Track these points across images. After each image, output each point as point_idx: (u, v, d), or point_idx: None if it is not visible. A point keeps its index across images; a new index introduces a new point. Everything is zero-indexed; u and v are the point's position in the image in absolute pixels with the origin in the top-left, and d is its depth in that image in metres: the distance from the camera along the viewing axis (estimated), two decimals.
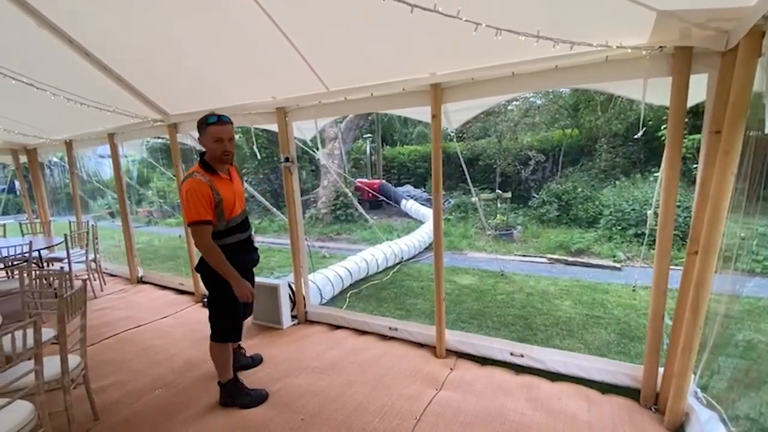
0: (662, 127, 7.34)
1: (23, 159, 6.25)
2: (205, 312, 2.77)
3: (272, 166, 12.15)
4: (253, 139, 4.70)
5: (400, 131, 17.22)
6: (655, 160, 8.97)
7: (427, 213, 9.44)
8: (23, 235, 5.54)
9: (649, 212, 2.65)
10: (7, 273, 4.67)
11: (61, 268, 4.09)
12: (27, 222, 5.93)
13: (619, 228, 7.15)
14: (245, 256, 2.44)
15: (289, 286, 3.81)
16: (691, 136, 6.70)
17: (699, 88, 2.00)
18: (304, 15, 2.35)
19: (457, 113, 2.99)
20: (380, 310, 4.25)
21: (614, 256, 6.24)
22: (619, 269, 5.74)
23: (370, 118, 13.21)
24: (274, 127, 3.65)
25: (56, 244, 4.71)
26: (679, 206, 2.96)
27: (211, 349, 2.47)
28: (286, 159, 3.55)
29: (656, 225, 2.24)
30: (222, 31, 2.59)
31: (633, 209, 7.21)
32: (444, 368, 2.86)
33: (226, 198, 2.24)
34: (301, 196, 3.82)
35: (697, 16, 1.76)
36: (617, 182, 8.82)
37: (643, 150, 9.44)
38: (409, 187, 12.26)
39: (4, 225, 5.59)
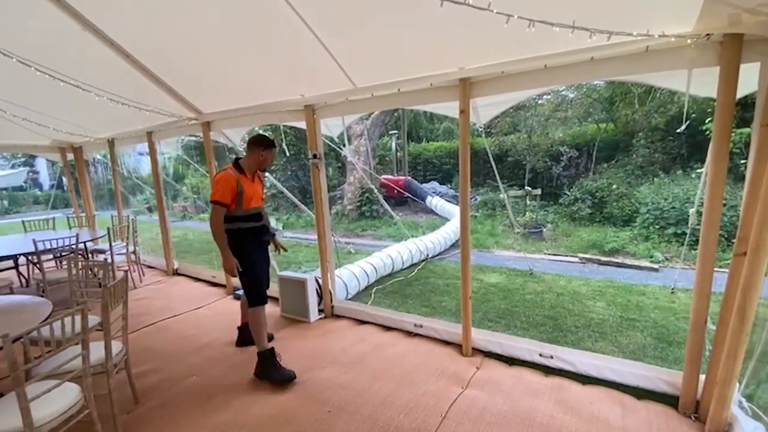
0: (707, 121, 6.92)
1: (70, 157, 6.65)
2: (236, 304, 3.02)
3: (300, 163, 12.36)
4: (282, 136, 4.79)
5: (426, 127, 17.09)
6: (699, 156, 8.47)
7: (452, 210, 9.33)
8: (70, 228, 5.90)
9: (691, 211, 2.51)
10: (56, 263, 5.01)
11: (105, 259, 4.33)
12: (74, 216, 6.32)
13: (657, 227, 6.81)
14: (259, 239, 2.97)
15: (316, 281, 3.87)
16: (739, 130, 6.28)
17: (749, 78, 1.87)
18: (333, 12, 2.36)
19: (486, 108, 2.92)
20: (405, 307, 4.25)
21: (651, 257, 5.96)
22: (656, 270, 5.47)
23: (395, 114, 13.17)
24: (302, 125, 3.71)
25: (99, 237, 4.99)
26: (724, 204, 2.79)
27: (252, 317, 2.87)
28: (314, 156, 3.60)
29: (699, 224, 2.12)
30: (254, 31, 2.66)
31: (673, 207, 6.85)
32: (470, 367, 2.83)
33: (246, 192, 2.80)
34: (328, 192, 3.86)
35: (748, 1, 1.64)
36: (656, 179, 8.39)
37: (685, 145, 8.92)
38: (434, 184, 12.16)
39: (53, 219, 5.97)
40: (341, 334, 3.48)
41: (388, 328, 3.52)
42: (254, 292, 2.86)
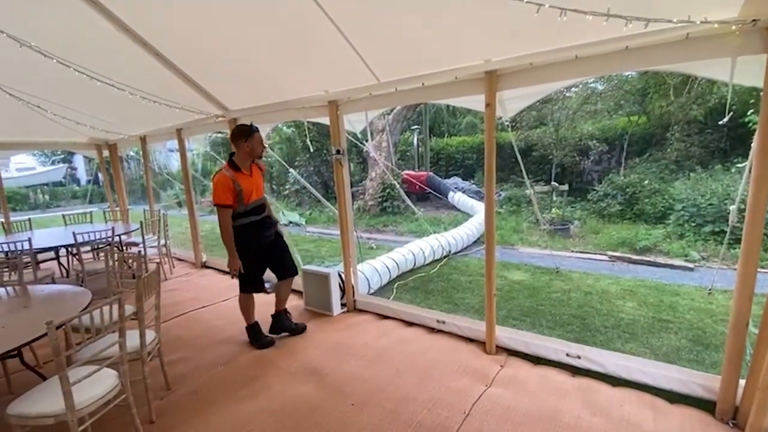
0: (749, 112, 6.51)
1: (105, 153, 6.96)
2: (261, 296, 3.19)
3: (323, 159, 12.47)
4: (306, 132, 4.84)
5: (448, 122, 16.86)
6: (740, 150, 8.01)
7: (475, 205, 9.20)
8: (106, 222, 6.19)
9: (731, 207, 2.37)
10: (93, 255, 5.26)
11: (138, 251, 4.52)
12: (109, 210, 6.62)
13: (693, 224, 6.49)
14: (260, 233, 3.08)
15: (339, 275, 3.91)
16: None
17: None
18: (356, 7, 2.36)
19: (512, 101, 2.85)
20: (427, 303, 4.23)
21: (686, 256, 5.69)
22: (691, 270, 5.23)
23: (417, 109, 13.05)
24: (325, 121, 3.73)
25: (133, 230, 5.21)
26: None
27: (239, 300, 3.22)
28: (337, 151, 3.62)
29: (740, 222, 2.00)
30: (279, 28, 2.69)
31: (710, 204, 6.50)
32: (494, 365, 2.79)
33: (245, 188, 2.91)
34: (350, 188, 3.88)
35: None
36: (692, 174, 7.98)
37: (725, 138, 8.44)
38: (456, 180, 12.01)
39: (90, 212, 6.27)
40: (363, 328, 3.50)
41: (410, 324, 3.52)
42: (243, 282, 3.14)
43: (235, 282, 3.16)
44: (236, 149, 2.94)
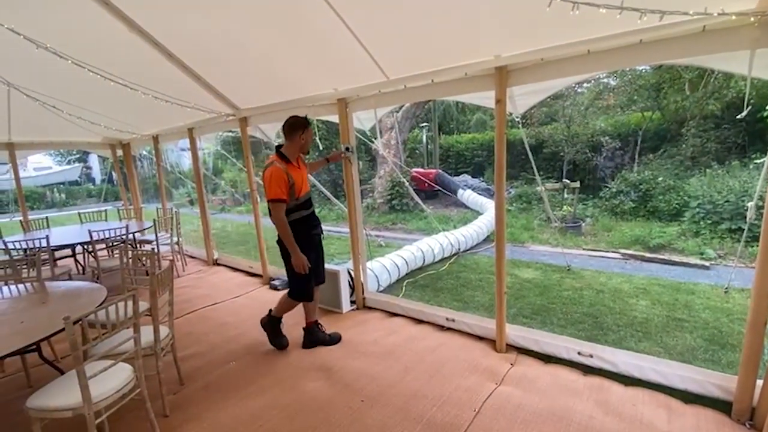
0: (767, 107, 6.34)
1: (119, 153, 7.08)
2: (272, 293, 3.14)
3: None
4: (315, 130, 4.86)
5: (458, 119, 16.75)
6: (759, 145, 7.80)
7: (485, 203, 9.14)
8: (120, 220, 6.31)
9: (750, 204, 2.31)
10: (108, 252, 5.37)
11: (151, 249, 4.59)
12: (123, 208, 6.74)
13: (709, 222, 6.35)
14: (309, 231, 2.97)
15: (348, 273, 3.93)
16: None
17: None
18: (366, 3, 2.35)
19: (523, 97, 2.82)
20: (436, 301, 4.23)
21: (702, 254, 5.58)
22: (707, 268, 5.12)
23: (426, 106, 12.99)
24: (334, 118, 3.74)
25: (146, 228, 5.30)
26: None
27: (282, 299, 3.07)
28: (346, 149, 3.62)
29: (758, 219, 1.95)
30: (288, 26, 2.70)
31: (727, 201, 6.35)
32: (504, 363, 2.78)
33: (297, 182, 2.80)
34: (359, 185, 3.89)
35: None
36: (708, 170, 7.80)
37: (743, 133, 8.23)
38: (466, 177, 11.94)
39: (105, 211, 6.40)
40: (373, 325, 3.51)
41: (420, 321, 3.51)
42: (297, 288, 2.98)
43: (247, 279, 3.17)
44: (290, 141, 2.86)
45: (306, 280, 2.93)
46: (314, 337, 3.14)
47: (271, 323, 3.13)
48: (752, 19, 1.74)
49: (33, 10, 2.66)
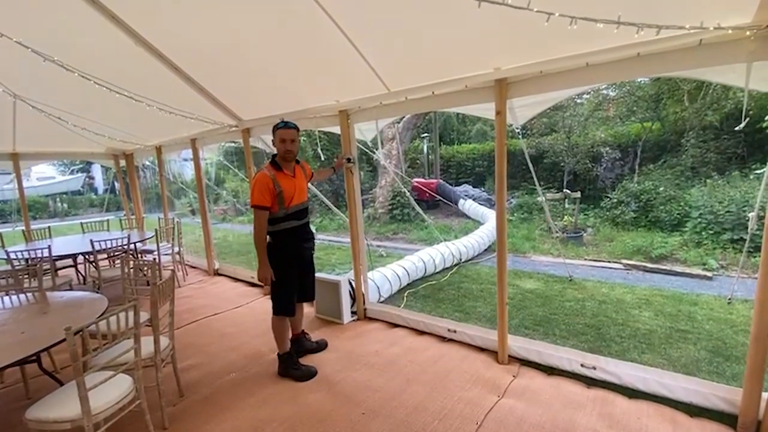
0: (766, 117, 6.38)
1: (122, 163, 7.13)
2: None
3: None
4: (317, 141, 4.89)
5: (458, 129, 16.88)
6: (759, 155, 7.83)
7: (486, 213, 9.15)
8: (122, 230, 6.33)
9: (751, 214, 2.32)
10: (109, 262, 5.37)
11: (153, 259, 4.60)
12: (125, 218, 6.76)
13: (711, 232, 6.33)
14: (298, 243, 2.87)
15: (350, 283, 3.92)
16: None
17: None
18: (367, 17, 2.39)
19: (523, 109, 2.85)
20: (438, 311, 4.20)
21: (704, 264, 5.55)
22: (710, 278, 5.09)
23: (427, 117, 13.11)
24: (336, 129, 3.77)
25: (148, 238, 5.32)
26: None
27: (272, 323, 2.91)
28: (347, 160, 3.65)
29: (760, 229, 1.96)
30: (291, 39, 2.74)
31: (728, 211, 6.34)
32: (506, 375, 2.75)
33: (287, 190, 2.72)
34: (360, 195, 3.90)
35: None
36: (708, 181, 7.81)
37: (742, 144, 8.27)
38: (467, 187, 11.97)
39: (107, 220, 6.43)
40: (374, 336, 3.49)
41: (421, 332, 3.49)
42: (278, 302, 2.85)
43: (248, 290, 3.16)
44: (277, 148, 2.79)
45: (286, 294, 2.83)
46: (301, 347, 3.17)
47: (286, 362, 2.90)
48: (748, 32, 1.77)
49: (40, 23, 2.72)
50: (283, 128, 2.74)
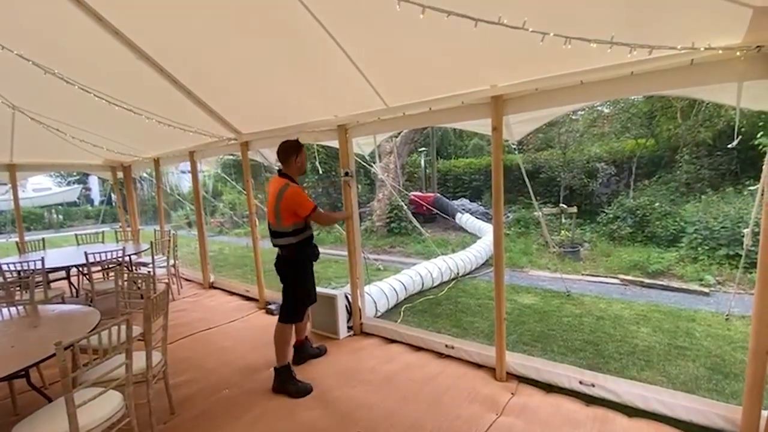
0: (758, 135, 6.49)
1: (120, 175, 7.12)
2: (268, 318, 3.07)
3: (331, 180, 12.66)
4: (315, 155, 4.92)
5: (455, 144, 17.07)
6: (751, 172, 7.94)
7: (483, 227, 9.16)
8: (117, 242, 6.28)
9: (746, 231, 2.34)
10: (103, 274, 5.31)
11: (148, 272, 4.55)
12: (120, 230, 6.72)
13: (707, 248, 6.36)
14: (314, 250, 3.03)
15: (346, 297, 3.88)
16: None
17: None
18: (366, 34, 2.44)
19: (519, 125, 2.88)
20: (435, 327, 4.16)
21: (701, 280, 5.56)
22: (707, 294, 5.09)
23: (425, 131, 13.25)
24: (334, 144, 3.80)
25: (143, 251, 5.27)
26: None
27: (276, 331, 2.91)
28: (346, 173, 3.66)
29: (755, 245, 1.97)
30: (291, 55, 2.78)
31: (723, 227, 6.39)
32: (505, 392, 2.71)
33: None
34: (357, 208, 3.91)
35: None
36: (703, 197, 7.90)
37: (736, 160, 8.39)
38: (464, 201, 12.03)
39: (103, 232, 6.37)
40: (370, 352, 3.44)
41: (418, 348, 3.45)
42: (293, 309, 2.96)
43: (243, 304, 3.13)
44: (286, 165, 2.93)
45: (303, 301, 3.00)
46: (304, 352, 3.27)
47: (283, 376, 2.85)
48: (738, 53, 1.81)
49: (41, 36, 2.75)
50: (303, 147, 2.99)
